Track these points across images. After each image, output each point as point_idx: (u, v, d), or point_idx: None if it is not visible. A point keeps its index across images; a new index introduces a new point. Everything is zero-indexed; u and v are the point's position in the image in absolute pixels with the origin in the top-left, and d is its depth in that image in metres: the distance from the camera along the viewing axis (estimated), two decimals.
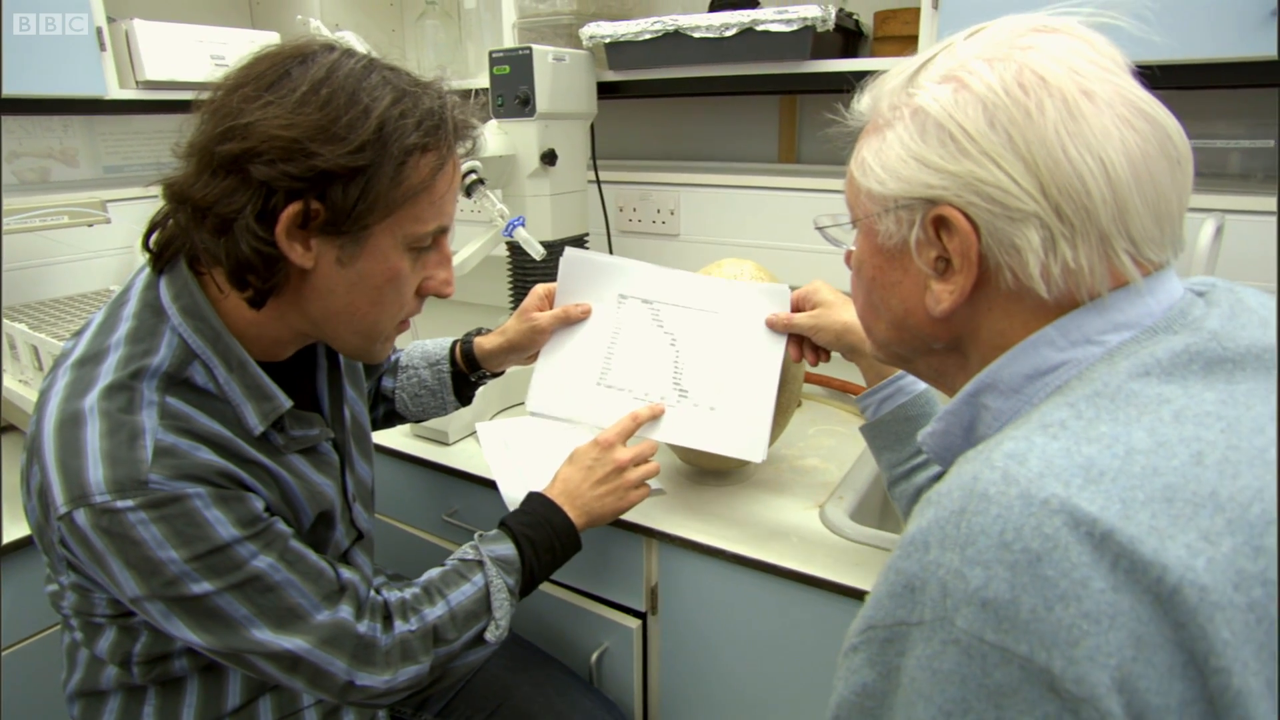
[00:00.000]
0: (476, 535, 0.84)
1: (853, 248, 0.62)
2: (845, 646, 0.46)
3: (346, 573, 0.73)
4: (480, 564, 0.81)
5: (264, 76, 0.64)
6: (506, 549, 0.82)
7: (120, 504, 0.60)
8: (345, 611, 0.70)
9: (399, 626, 0.74)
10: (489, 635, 0.79)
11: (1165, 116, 0.48)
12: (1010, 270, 0.49)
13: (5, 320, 1.26)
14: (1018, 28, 0.51)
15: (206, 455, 0.64)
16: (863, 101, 0.58)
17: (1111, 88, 0.47)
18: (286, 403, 0.72)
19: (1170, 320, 0.48)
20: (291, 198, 0.63)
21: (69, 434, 0.62)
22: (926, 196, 0.50)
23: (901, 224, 0.53)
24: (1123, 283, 0.48)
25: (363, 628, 0.71)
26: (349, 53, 0.67)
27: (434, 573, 0.81)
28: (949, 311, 0.52)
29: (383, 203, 0.65)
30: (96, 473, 0.60)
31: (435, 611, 0.76)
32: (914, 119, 0.51)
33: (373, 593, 0.75)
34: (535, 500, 0.88)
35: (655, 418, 0.94)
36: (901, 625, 0.42)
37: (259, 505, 0.67)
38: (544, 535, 0.85)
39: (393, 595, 0.76)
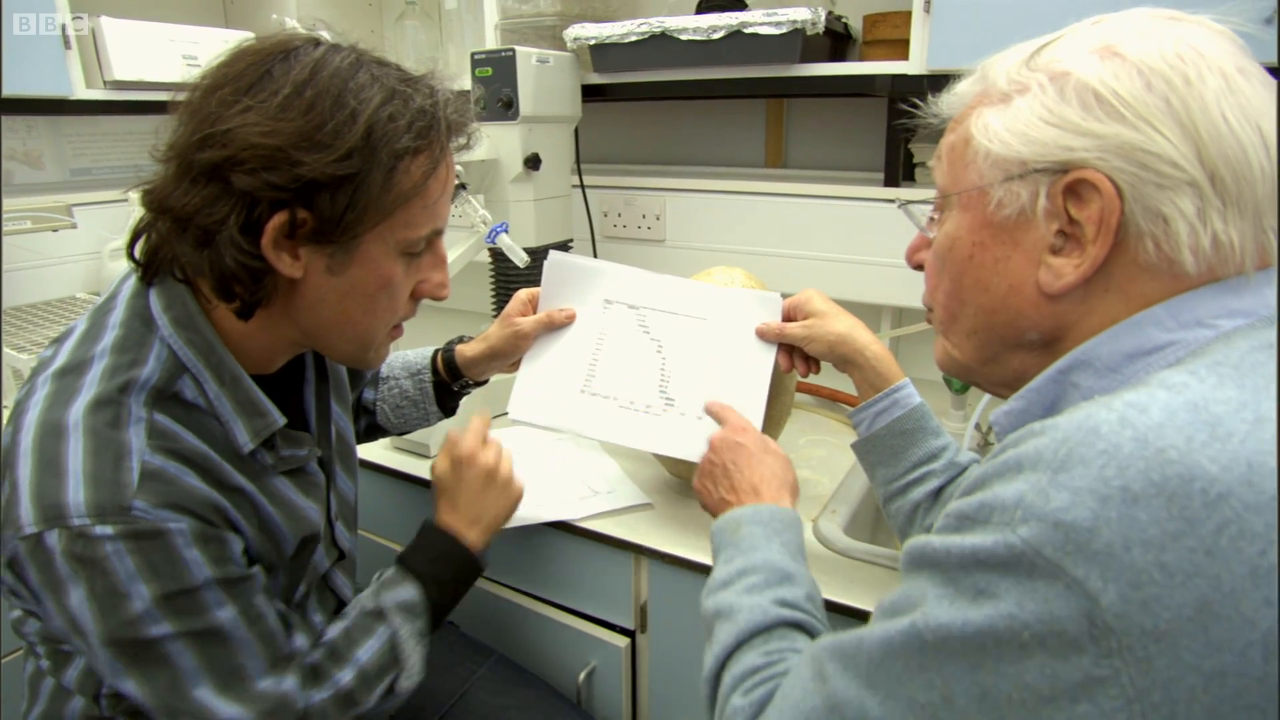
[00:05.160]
0: (376, 577, 0.81)
1: (930, 233, 0.59)
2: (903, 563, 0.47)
3: (298, 639, 0.70)
4: (382, 614, 0.77)
5: (243, 76, 0.61)
6: (408, 593, 0.79)
7: (99, 530, 0.56)
8: (289, 684, 0.67)
9: (315, 696, 0.70)
10: (400, 686, 0.76)
11: None
12: (1153, 241, 0.46)
13: None
14: (1154, 15, 0.49)
15: (193, 481, 0.61)
16: (962, 84, 0.56)
17: (1258, 70, 0.47)
18: (280, 420, 0.69)
19: None
20: (276, 207, 0.60)
21: (49, 449, 0.58)
22: (1062, 160, 0.48)
23: (1024, 191, 0.50)
24: (1267, 263, 0.46)
25: (301, 703, 0.68)
26: (335, 48, 0.64)
27: (336, 629, 0.76)
28: (1070, 287, 0.49)
29: (373, 210, 0.63)
30: (77, 494, 0.57)
31: (346, 675, 0.73)
32: (1054, 83, 0.49)
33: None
34: (429, 532, 0.85)
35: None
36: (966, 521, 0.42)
37: (238, 549, 0.64)
38: (445, 569, 0.82)
39: (310, 658, 0.73)
